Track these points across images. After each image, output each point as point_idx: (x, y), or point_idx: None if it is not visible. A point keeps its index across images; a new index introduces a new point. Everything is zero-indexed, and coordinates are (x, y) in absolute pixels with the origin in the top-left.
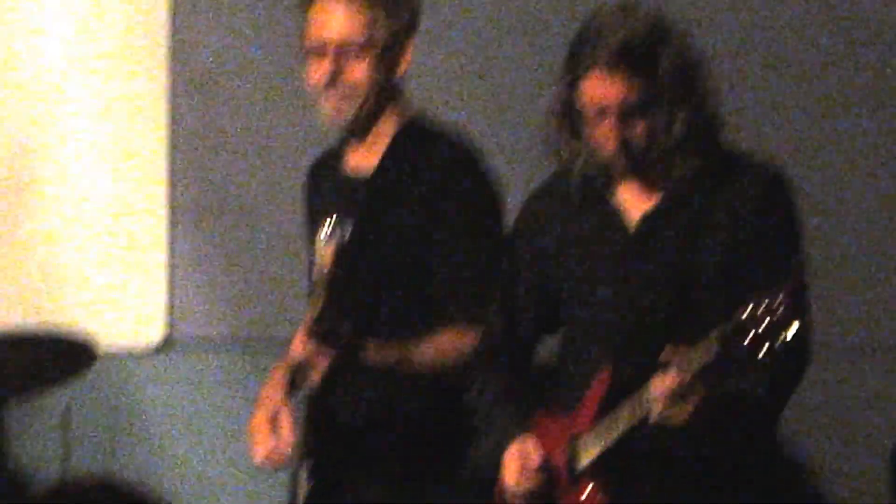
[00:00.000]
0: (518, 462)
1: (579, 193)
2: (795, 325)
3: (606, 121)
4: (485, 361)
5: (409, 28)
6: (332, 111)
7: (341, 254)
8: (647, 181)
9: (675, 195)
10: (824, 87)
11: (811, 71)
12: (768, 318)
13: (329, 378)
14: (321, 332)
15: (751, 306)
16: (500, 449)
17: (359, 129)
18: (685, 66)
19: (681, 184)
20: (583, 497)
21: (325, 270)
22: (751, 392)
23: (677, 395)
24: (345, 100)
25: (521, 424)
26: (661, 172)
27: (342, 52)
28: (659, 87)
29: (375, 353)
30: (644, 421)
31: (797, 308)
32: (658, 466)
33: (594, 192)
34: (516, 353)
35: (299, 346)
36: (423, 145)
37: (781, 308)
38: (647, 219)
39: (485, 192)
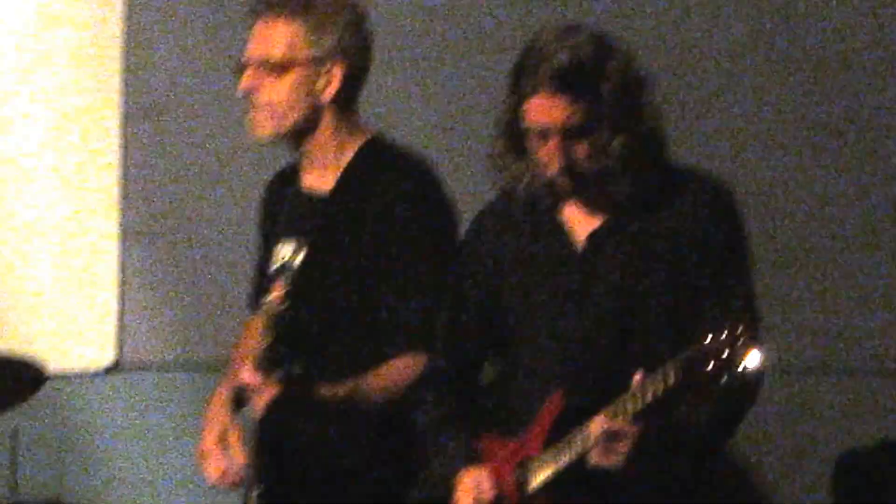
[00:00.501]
0: (471, 495)
1: (526, 212)
2: (756, 353)
3: (549, 142)
4: (430, 386)
5: (339, 50)
6: (252, 127)
7: (292, 283)
8: (592, 200)
9: (620, 214)
10: (766, 98)
11: (754, 86)
12: (730, 347)
13: (277, 409)
14: (270, 366)
15: (709, 335)
16: (448, 476)
17: (297, 147)
18: (628, 86)
19: (626, 202)
20: None
21: (277, 302)
22: (697, 420)
23: (610, 443)
24: (263, 117)
25: (469, 453)
26: (606, 192)
27: (259, 70)
28: (601, 108)
29: (326, 391)
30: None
31: (756, 336)
32: (607, 489)
33: (540, 211)
34: (462, 375)
35: (245, 371)
36: (382, 167)
37: (741, 338)
38: (593, 238)
39: (441, 218)
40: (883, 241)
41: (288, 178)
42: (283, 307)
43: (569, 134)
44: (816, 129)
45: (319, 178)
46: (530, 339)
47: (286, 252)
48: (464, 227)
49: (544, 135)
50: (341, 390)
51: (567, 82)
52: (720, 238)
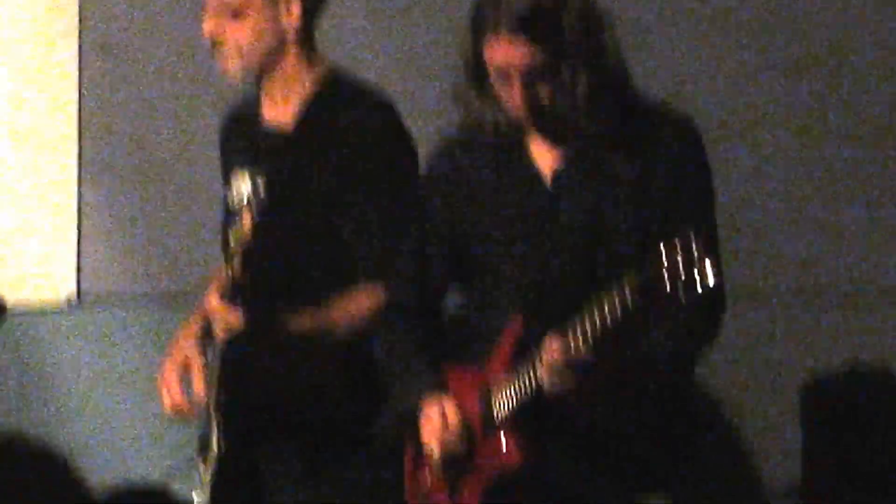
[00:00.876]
0: (437, 422)
1: (491, 145)
2: (710, 267)
3: (511, 81)
4: (394, 316)
5: None
6: (223, 71)
7: (258, 215)
8: (558, 136)
9: (585, 149)
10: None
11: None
12: (682, 263)
13: (242, 342)
14: (237, 299)
15: (664, 252)
16: (413, 405)
17: (263, 84)
18: (589, 25)
19: (591, 137)
20: (499, 448)
21: (242, 233)
22: (660, 345)
23: (562, 365)
24: (232, 60)
25: (434, 382)
26: (570, 129)
27: (220, 15)
28: (563, 48)
29: (291, 324)
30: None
31: (710, 251)
32: (572, 416)
33: (506, 145)
34: (426, 306)
35: (214, 303)
36: (344, 102)
37: (695, 251)
38: (559, 172)
39: (403, 152)
40: (850, 168)
41: (246, 110)
42: (249, 239)
43: (531, 75)
44: (780, 64)
45: (280, 112)
46: (494, 271)
47: (248, 185)
48: (424, 161)
49: (506, 75)
50: (304, 321)
51: (527, 24)
52: (685, 174)
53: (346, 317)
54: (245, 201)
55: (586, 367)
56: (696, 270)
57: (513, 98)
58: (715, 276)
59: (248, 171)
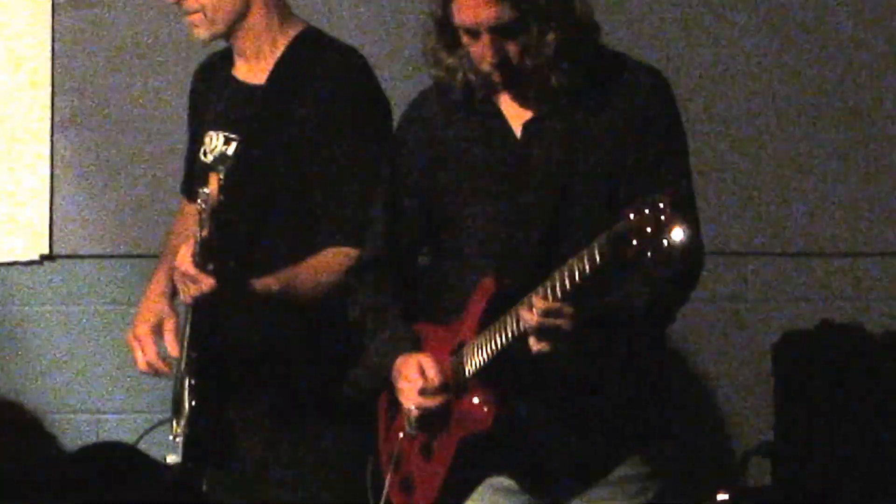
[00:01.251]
0: (416, 380)
1: (462, 101)
2: (680, 231)
3: (480, 39)
4: (368, 273)
5: None
6: (189, 32)
7: (226, 177)
8: (527, 91)
9: (555, 104)
10: None
11: None
12: (652, 224)
13: (211, 302)
14: (205, 259)
15: (633, 212)
16: (388, 363)
17: (234, 43)
18: None
19: (560, 94)
20: (472, 403)
21: (212, 197)
22: (633, 304)
23: (549, 325)
24: (198, 21)
25: (410, 339)
26: (539, 86)
27: None
28: (531, 6)
29: (260, 286)
30: (526, 334)
31: (682, 213)
32: (545, 375)
33: (477, 101)
34: (399, 262)
35: (185, 265)
36: (315, 59)
37: (665, 213)
38: (529, 126)
39: (375, 111)
40: (817, 131)
41: (218, 67)
42: (219, 200)
43: (499, 33)
44: (755, 33)
45: (253, 70)
46: (466, 225)
47: (220, 143)
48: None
49: (475, 33)
50: (274, 282)
51: None
52: (656, 125)
53: (315, 276)
54: (215, 160)
55: (565, 332)
56: (665, 229)
57: (481, 55)
58: (687, 234)
59: (219, 129)
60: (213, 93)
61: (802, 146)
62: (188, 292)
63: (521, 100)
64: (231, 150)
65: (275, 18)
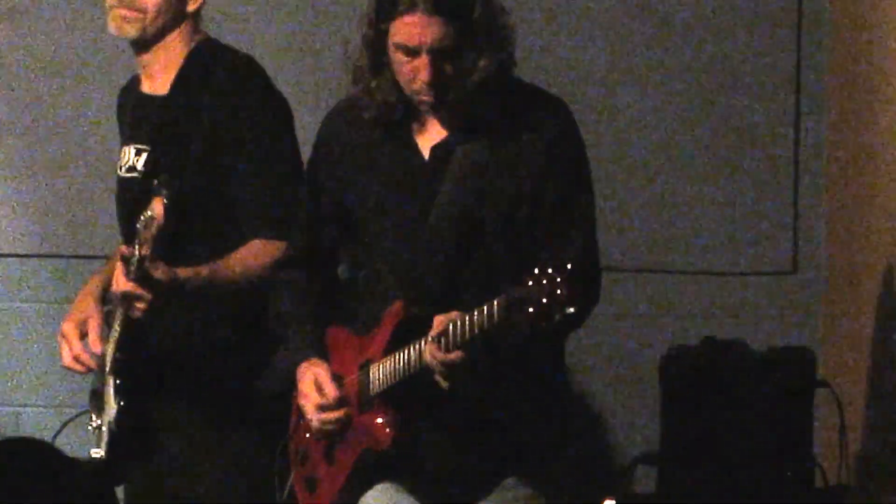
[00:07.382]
0: (313, 397)
1: (377, 121)
2: (573, 308)
3: (418, 59)
4: (290, 272)
5: None
6: (117, 25)
7: (169, 201)
8: (443, 116)
9: (466, 131)
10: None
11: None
12: (548, 296)
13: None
14: (145, 280)
15: (532, 280)
16: (291, 369)
17: (143, 49)
18: (494, 12)
19: (475, 120)
20: (375, 423)
21: (157, 220)
22: (517, 338)
23: (440, 371)
24: (132, 17)
25: (316, 346)
26: (457, 109)
27: None
28: (471, 32)
29: (188, 283)
30: (428, 367)
31: (581, 278)
32: (445, 397)
33: (391, 122)
34: (318, 266)
35: (122, 283)
36: (213, 65)
37: (562, 286)
38: (437, 149)
39: (273, 106)
40: (704, 153)
41: (132, 86)
42: (163, 225)
43: (439, 54)
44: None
45: (157, 82)
46: (377, 242)
47: (132, 155)
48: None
49: (414, 52)
50: (204, 268)
51: (444, 5)
52: (564, 159)
53: (243, 264)
54: (129, 173)
55: (463, 367)
56: (559, 304)
57: (415, 73)
58: (579, 307)
59: (130, 142)
60: (127, 110)
61: (690, 167)
62: (137, 308)
63: (433, 124)
64: (142, 161)
65: (187, 36)
